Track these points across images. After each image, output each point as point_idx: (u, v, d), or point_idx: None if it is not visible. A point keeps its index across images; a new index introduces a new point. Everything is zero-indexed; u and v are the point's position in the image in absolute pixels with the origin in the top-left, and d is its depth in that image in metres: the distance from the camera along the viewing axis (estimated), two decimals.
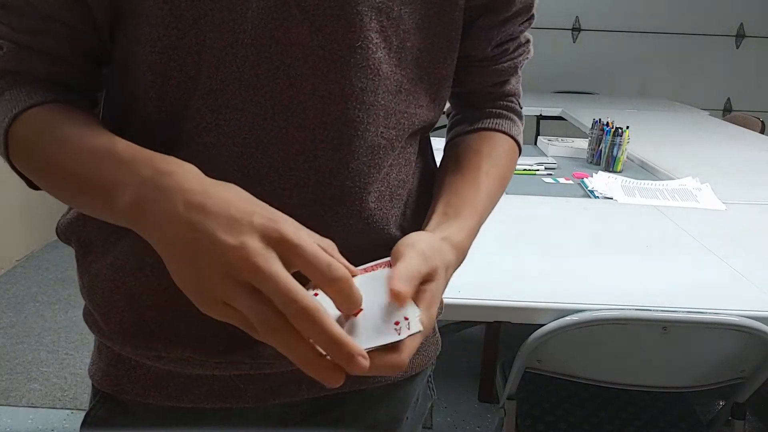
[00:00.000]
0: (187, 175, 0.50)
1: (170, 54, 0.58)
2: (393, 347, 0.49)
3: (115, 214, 0.52)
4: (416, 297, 0.53)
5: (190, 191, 0.48)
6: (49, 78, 0.61)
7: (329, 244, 0.50)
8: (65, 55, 0.60)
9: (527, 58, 0.77)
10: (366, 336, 0.49)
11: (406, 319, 0.49)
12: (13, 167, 0.61)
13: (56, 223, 0.72)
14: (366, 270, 0.55)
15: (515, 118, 0.78)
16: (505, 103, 0.78)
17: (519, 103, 0.79)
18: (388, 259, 0.56)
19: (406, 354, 0.50)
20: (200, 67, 0.58)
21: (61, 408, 2.20)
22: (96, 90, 0.66)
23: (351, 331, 0.49)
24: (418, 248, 0.56)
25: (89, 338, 2.61)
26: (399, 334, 0.49)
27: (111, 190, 0.52)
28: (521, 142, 0.78)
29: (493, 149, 0.74)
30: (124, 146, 0.54)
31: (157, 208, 0.49)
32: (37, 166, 0.59)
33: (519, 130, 0.78)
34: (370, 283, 0.52)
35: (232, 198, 0.48)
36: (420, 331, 0.50)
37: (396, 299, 0.50)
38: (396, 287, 0.50)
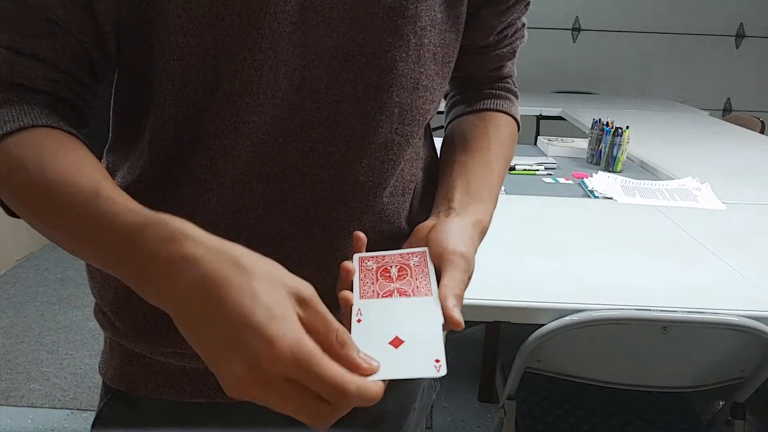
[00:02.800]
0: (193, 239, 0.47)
1: (188, 60, 0.58)
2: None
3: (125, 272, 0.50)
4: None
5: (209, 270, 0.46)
6: (43, 87, 0.58)
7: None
8: (60, 63, 0.58)
9: (523, 41, 0.80)
10: (405, 368, 0.50)
11: (437, 361, 0.50)
12: None
13: None
14: (402, 257, 0.58)
15: (512, 97, 0.81)
16: (502, 84, 0.81)
17: (514, 83, 0.83)
18: (423, 250, 0.59)
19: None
20: (219, 72, 0.59)
21: (61, 408, 2.19)
22: (88, 105, 0.63)
23: (390, 361, 0.50)
24: (460, 253, 0.57)
25: (89, 338, 2.62)
26: (438, 372, 0.50)
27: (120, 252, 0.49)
28: (519, 121, 0.81)
29: (499, 131, 0.76)
30: (124, 209, 0.50)
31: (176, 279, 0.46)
32: (22, 200, 0.56)
33: (516, 108, 0.81)
34: (411, 309, 0.54)
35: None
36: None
37: (456, 327, 0.52)
38: (457, 319, 0.52)
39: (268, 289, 0.45)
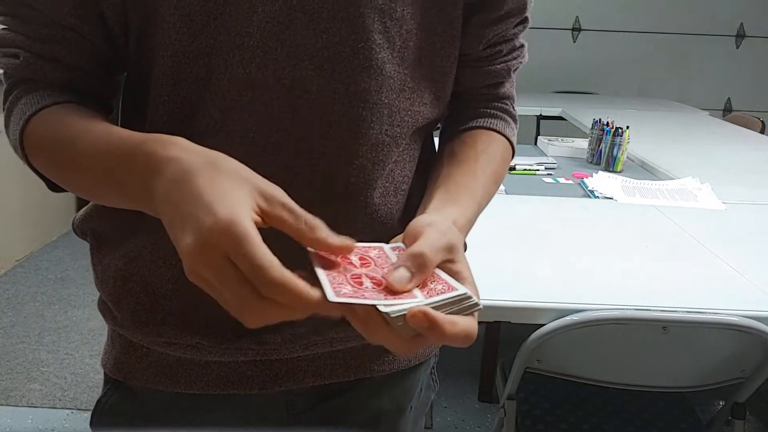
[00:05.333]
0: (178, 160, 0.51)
1: (181, 57, 0.60)
2: (468, 317, 0.51)
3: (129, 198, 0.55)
4: (456, 279, 0.54)
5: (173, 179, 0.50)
6: (64, 85, 0.62)
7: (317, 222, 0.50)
8: (78, 64, 0.62)
9: (521, 62, 0.78)
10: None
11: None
12: (33, 168, 0.63)
13: (71, 219, 0.76)
14: (379, 249, 0.55)
15: (509, 119, 0.78)
16: (499, 104, 0.78)
17: (513, 106, 0.80)
18: (400, 244, 0.56)
19: (476, 324, 0.52)
20: (210, 70, 0.61)
21: (61, 408, 2.19)
22: (110, 96, 0.68)
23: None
24: (434, 227, 0.55)
25: (89, 338, 2.62)
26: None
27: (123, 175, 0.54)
28: (515, 144, 0.79)
29: (489, 147, 0.74)
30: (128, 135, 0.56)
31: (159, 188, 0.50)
32: (53, 161, 0.61)
33: (513, 131, 0.79)
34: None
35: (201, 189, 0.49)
36: (479, 307, 0.52)
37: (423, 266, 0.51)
38: (427, 253, 0.51)
39: (232, 182, 0.48)
